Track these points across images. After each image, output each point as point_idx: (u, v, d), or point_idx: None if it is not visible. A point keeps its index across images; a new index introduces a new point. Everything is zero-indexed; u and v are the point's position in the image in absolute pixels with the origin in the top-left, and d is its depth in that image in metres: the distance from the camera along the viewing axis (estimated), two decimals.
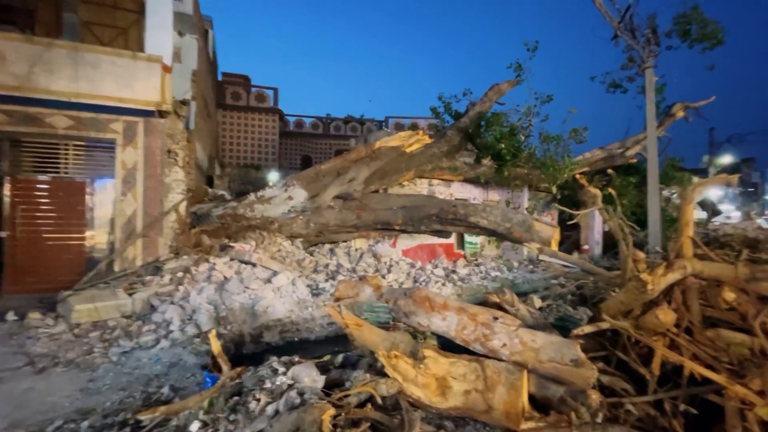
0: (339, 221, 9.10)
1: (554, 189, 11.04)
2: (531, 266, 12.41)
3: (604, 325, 2.76)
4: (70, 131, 6.64)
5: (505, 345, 2.59)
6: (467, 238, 13.04)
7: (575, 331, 2.71)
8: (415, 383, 2.55)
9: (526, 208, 12.73)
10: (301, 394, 2.61)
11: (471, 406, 2.42)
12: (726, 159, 23.50)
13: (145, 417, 3.12)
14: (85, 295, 5.98)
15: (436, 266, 11.18)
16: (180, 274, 6.71)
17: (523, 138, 11.31)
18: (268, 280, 6.93)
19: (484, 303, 3.66)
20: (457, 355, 2.63)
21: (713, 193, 22.74)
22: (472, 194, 13.21)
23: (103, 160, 7.07)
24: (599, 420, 2.47)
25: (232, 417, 2.49)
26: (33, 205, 6.73)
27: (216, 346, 3.36)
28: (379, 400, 2.61)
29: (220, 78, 18.54)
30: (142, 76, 7.01)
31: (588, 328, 2.74)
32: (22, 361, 4.39)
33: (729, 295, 2.85)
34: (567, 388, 2.55)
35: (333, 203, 9.14)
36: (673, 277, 2.91)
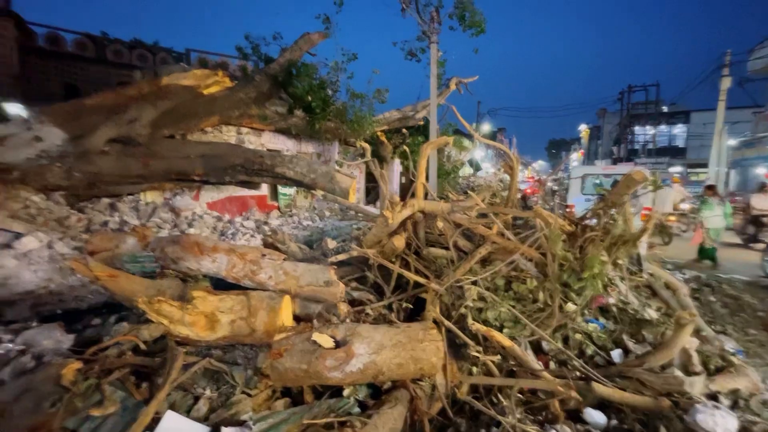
0: (118, 170, 7.63)
1: (358, 144, 12.13)
2: (341, 215, 13.63)
3: (354, 253, 3.46)
4: None
5: (271, 277, 2.95)
6: (281, 189, 13.12)
7: (330, 259, 3.32)
8: (182, 323, 2.65)
9: (336, 161, 13.63)
10: (38, 357, 2.34)
11: (237, 333, 2.71)
12: (486, 127, 30.68)
13: None
14: None
15: (247, 218, 10.96)
16: None
17: (331, 93, 11.76)
18: (8, 245, 5.40)
19: (264, 244, 3.98)
20: (227, 291, 2.84)
21: (478, 154, 29.61)
22: (286, 146, 13.17)
23: None
24: (346, 322, 3.19)
25: None
26: None
27: None
28: (143, 346, 2.61)
29: None
30: None
31: (341, 257, 3.39)
32: None
33: (439, 224, 4.01)
34: (323, 305, 3.16)
35: (108, 148, 7.55)
36: (406, 212, 3.86)
